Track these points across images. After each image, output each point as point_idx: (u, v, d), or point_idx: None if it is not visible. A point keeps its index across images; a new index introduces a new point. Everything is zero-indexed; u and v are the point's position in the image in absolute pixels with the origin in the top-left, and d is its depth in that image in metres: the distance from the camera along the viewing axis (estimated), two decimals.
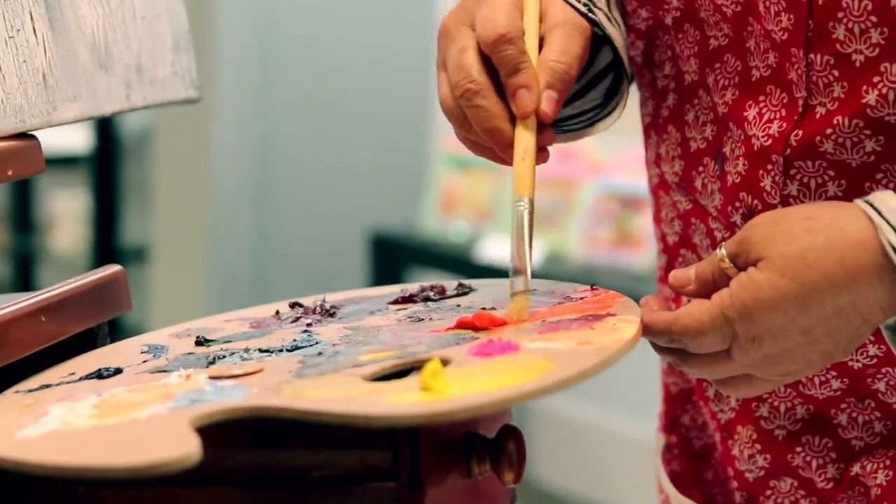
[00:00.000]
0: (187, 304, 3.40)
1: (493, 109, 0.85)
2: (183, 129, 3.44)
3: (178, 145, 3.48)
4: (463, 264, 3.01)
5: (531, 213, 0.84)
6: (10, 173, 0.87)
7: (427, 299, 0.91)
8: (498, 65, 0.85)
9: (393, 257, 3.17)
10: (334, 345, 0.81)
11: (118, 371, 0.81)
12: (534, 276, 0.86)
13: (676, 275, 0.83)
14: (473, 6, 0.87)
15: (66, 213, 4.19)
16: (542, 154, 0.87)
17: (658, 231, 0.98)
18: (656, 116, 0.96)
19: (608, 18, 0.90)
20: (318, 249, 3.52)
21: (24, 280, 4.23)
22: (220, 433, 0.71)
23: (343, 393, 0.71)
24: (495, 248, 2.95)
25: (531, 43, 0.86)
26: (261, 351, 0.82)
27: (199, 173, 3.43)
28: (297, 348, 0.82)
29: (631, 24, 0.95)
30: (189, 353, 0.84)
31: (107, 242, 3.82)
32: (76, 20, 0.94)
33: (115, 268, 0.92)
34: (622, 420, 3.14)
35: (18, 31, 0.89)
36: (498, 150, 0.87)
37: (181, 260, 3.50)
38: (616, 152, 2.93)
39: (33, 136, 0.90)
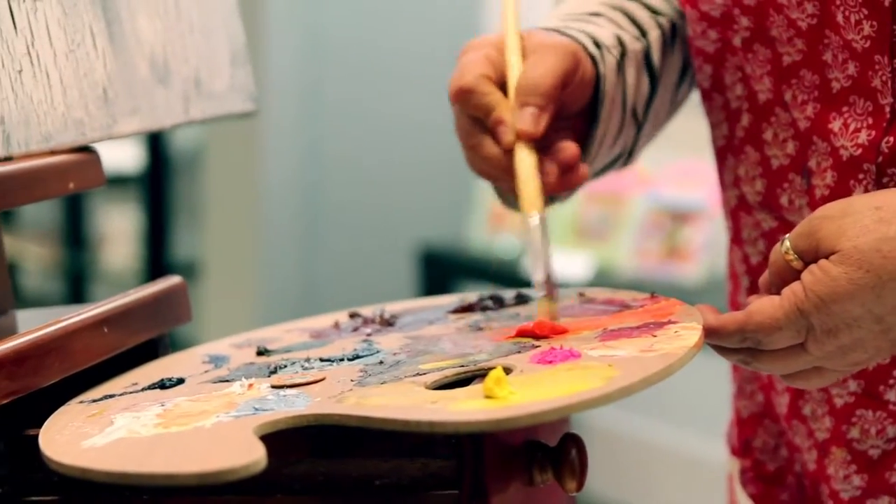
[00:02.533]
0: (238, 318, 3.42)
1: (490, 152, 0.89)
2: (233, 146, 3.46)
3: (228, 163, 3.50)
4: (511, 279, 3.01)
5: (544, 225, 0.85)
6: (71, 186, 0.88)
7: (485, 309, 0.92)
8: (474, 115, 0.88)
9: (441, 272, 3.17)
10: (395, 354, 0.82)
11: (180, 381, 0.82)
12: (582, 287, 0.88)
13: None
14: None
15: (118, 230, 4.22)
16: (573, 179, 0.89)
17: (739, 253, 0.98)
18: (731, 138, 0.96)
19: (585, 33, 0.92)
20: (366, 264, 3.52)
21: (75, 296, 4.26)
22: (282, 442, 0.71)
23: (406, 401, 0.71)
24: None
25: (513, 80, 0.88)
26: (321, 360, 0.82)
27: (250, 190, 3.45)
28: (358, 357, 0.82)
29: (699, 47, 0.95)
30: (250, 363, 0.84)
31: (158, 259, 3.85)
32: (135, 34, 0.95)
33: (175, 279, 0.92)
34: (672, 432, 3.12)
35: (79, 45, 0.90)
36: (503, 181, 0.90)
37: (232, 275, 3.51)
38: (664, 165, 2.93)
39: (94, 150, 0.91)
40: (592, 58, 0.91)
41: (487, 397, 0.69)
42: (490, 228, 3.10)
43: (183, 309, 0.92)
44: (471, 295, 0.95)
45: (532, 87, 0.87)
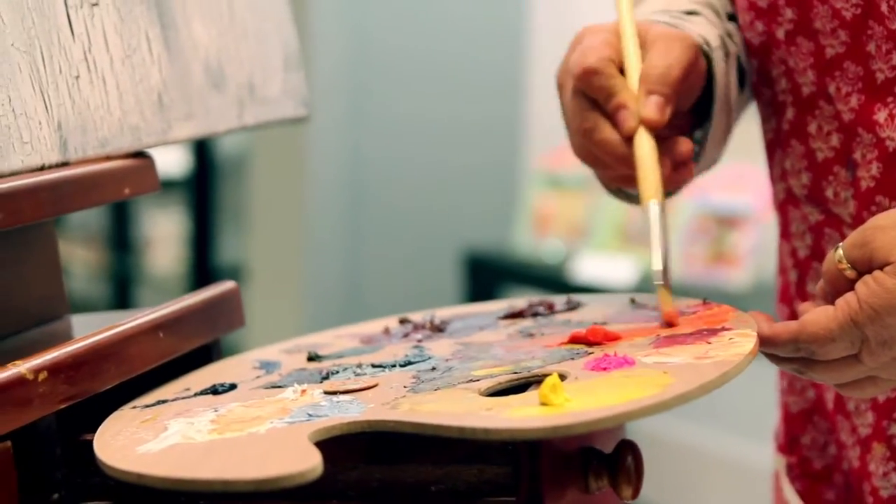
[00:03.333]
0: (283, 322, 3.43)
1: (607, 136, 0.86)
2: (280, 150, 3.47)
3: (274, 167, 3.51)
4: (557, 283, 3.00)
5: (663, 214, 0.84)
6: (127, 191, 0.89)
7: (536, 314, 0.91)
8: (594, 97, 0.86)
9: (486, 276, 3.17)
10: (447, 360, 0.82)
11: (233, 387, 0.82)
12: (628, 292, 0.88)
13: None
14: (569, 54, 0.89)
15: (164, 234, 4.24)
16: (683, 175, 0.88)
17: (787, 247, 0.98)
18: (778, 132, 0.96)
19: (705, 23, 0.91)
20: (411, 269, 3.53)
21: (121, 300, 4.28)
22: (336, 448, 0.71)
23: (460, 407, 0.71)
24: (589, 267, 2.94)
25: (632, 67, 0.87)
26: (373, 366, 0.82)
27: (296, 194, 3.46)
28: (410, 363, 0.82)
29: (747, 39, 0.95)
30: (302, 369, 0.85)
31: (203, 263, 3.86)
32: (190, 40, 0.95)
33: (228, 284, 0.93)
34: (718, 437, 3.11)
35: (135, 50, 0.91)
36: (612, 169, 0.88)
37: (277, 279, 3.52)
38: (712, 170, 2.92)
39: (149, 155, 0.91)
40: (706, 56, 0.90)
41: (543, 404, 0.69)
42: (536, 233, 3.10)
43: (236, 314, 0.92)
44: (520, 301, 0.95)
45: (660, 75, 0.86)
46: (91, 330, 0.86)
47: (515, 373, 0.76)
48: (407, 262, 3.53)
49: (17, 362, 0.73)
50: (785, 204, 0.97)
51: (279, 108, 1.03)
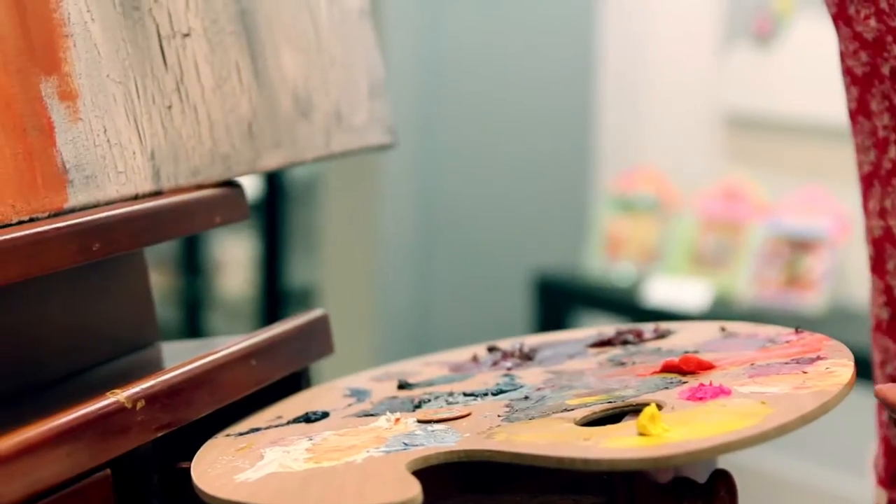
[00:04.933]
0: (353, 345, 3.43)
1: None
2: (351, 175, 3.49)
3: (345, 190, 3.53)
4: (628, 307, 2.99)
5: None
6: (217, 220, 0.89)
7: (625, 343, 0.91)
8: None
9: (557, 300, 3.16)
10: (539, 389, 0.81)
11: (325, 415, 0.82)
12: (703, 318, 0.86)
13: None
14: None
15: (234, 258, 4.27)
16: None
17: (880, 283, 0.96)
18: (877, 167, 0.94)
19: None
20: (482, 292, 3.52)
21: (191, 324, 4.31)
22: (430, 477, 0.71)
23: (557, 437, 0.70)
24: (661, 291, 2.93)
25: None
26: (465, 395, 0.82)
27: (366, 218, 3.47)
28: (502, 392, 0.82)
29: (849, 67, 0.94)
30: (393, 397, 0.85)
31: (273, 287, 3.88)
32: (279, 69, 0.96)
33: (317, 312, 0.93)
34: (811, 469, 3.08)
35: (226, 80, 0.91)
36: None
37: (348, 303, 3.53)
38: (784, 194, 2.90)
39: (239, 184, 0.92)
40: None
41: (641, 434, 0.68)
42: (607, 256, 3.09)
43: (325, 342, 0.93)
44: (608, 328, 0.95)
45: None
46: (181, 357, 0.87)
47: (610, 402, 0.76)
48: (477, 285, 3.53)
49: (115, 391, 0.74)
50: (882, 241, 0.95)
51: (365, 135, 1.04)
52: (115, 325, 0.89)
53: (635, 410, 0.74)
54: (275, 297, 3.88)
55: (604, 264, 3.09)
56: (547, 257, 3.31)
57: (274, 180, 3.89)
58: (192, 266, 4.37)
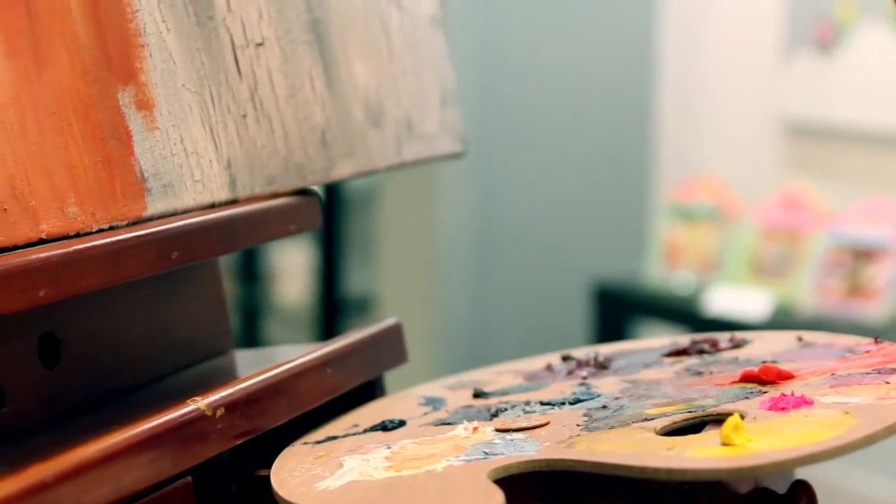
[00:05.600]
0: (412, 354, 3.43)
1: None
2: (408, 183, 3.49)
3: (403, 199, 3.53)
4: (688, 316, 2.98)
5: None
6: (292, 228, 0.89)
7: (701, 352, 0.90)
8: None
9: (616, 309, 3.15)
10: (616, 398, 0.81)
11: (402, 423, 0.82)
12: (763, 327, 0.85)
13: None
14: None
15: (292, 265, 4.29)
16: None
17: None
18: None
19: None
20: (540, 301, 3.52)
21: (248, 332, 4.33)
22: (509, 487, 0.71)
23: (639, 447, 0.70)
24: (721, 300, 2.91)
25: None
26: (542, 404, 0.82)
27: (424, 226, 3.47)
28: (579, 401, 0.81)
29: None
30: (468, 406, 0.84)
31: (330, 295, 3.89)
32: (351, 78, 0.96)
33: (391, 321, 0.93)
34: (887, 483, 3.05)
35: (299, 89, 0.92)
36: None
37: (406, 311, 3.54)
38: (846, 202, 2.88)
39: (313, 192, 0.92)
40: None
41: (724, 444, 0.68)
42: (666, 265, 3.08)
43: (399, 350, 0.93)
44: (682, 338, 0.94)
45: None
46: (254, 366, 0.87)
47: (690, 411, 0.75)
48: (536, 294, 3.52)
49: (196, 398, 0.74)
50: None
51: (436, 144, 1.03)
52: (190, 332, 0.89)
53: (715, 420, 0.73)
54: (332, 306, 3.89)
55: (663, 273, 3.08)
56: (606, 266, 3.30)
57: (332, 188, 3.90)
58: (250, 274, 4.39)
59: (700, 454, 0.67)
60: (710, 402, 0.76)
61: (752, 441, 0.68)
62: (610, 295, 3.14)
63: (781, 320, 2.78)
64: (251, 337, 4.24)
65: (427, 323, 3.47)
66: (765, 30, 3.17)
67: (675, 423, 0.74)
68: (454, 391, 0.89)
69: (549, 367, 0.92)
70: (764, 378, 0.79)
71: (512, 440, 0.74)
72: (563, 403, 0.81)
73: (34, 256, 0.68)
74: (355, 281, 4.02)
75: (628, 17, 3.43)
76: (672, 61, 3.35)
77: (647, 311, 3.12)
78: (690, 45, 3.32)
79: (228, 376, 0.86)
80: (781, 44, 3.14)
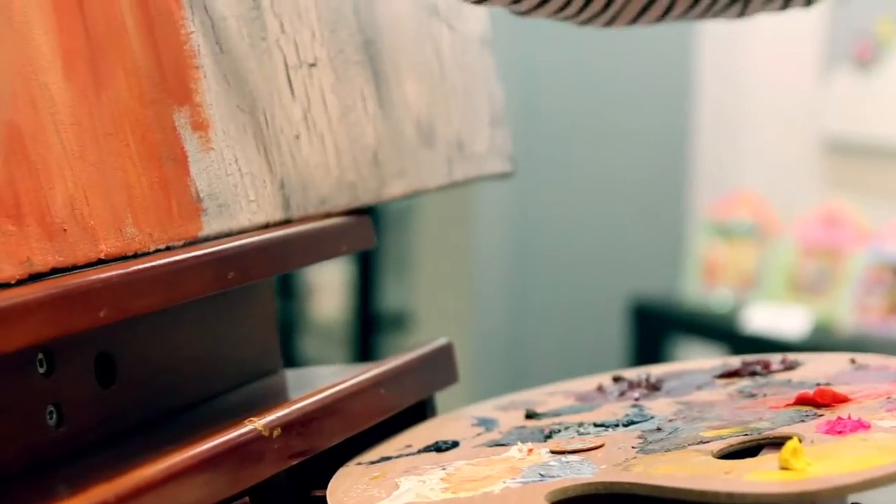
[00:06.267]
0: None
1: None
2: (445, 199, 3.49)
3: (439, 215, 3.54)
4: (726, 334, 2.97)
5: None
6: (344, 248, 0.90)
7: (753, 374, 0.90)
8: None
9: (653, 326, 3.15)
10: (670, 420, 0.81)
11: (455, 444, 0.82)
12: (803, 346, 0.85)
13: None
14: None
15: (328, 281, 4.29)
16: None
17: None
18: None
19: None
20: (577, 318, 3.51)
21: (284, 348, 4.33)
22: None
23: (696, 470, 0.70)
24: (760, 318, 2.90)
25: None
26: (595, 425, 0.82)
27: (460, 242, 3.47)
28: (633, 423, 0.81)
29: None
30: (521, 427, 0.84)
31: (366, 311, 3.90)
32: (402, 98, 0.96)
33: (442, 341, 0.93)
34: None
35: (351, 109, 0.92)
36: None
37: (442, 328, 3.54)
38: (886, 219, 2.86)
39: (365, 212, 0.92)
40: None
41: (783, 468, 0.67)
42: (704, 282, 3.07)
43: (450, 370, 0.93)
44: (733, 359, 0.94)
45: None
46: (304, 385, 0.88)
47: (746, 434, 0.75)
48: (573, 310, 3.52)
49: (253, 419, 0.74)
50: None
51: (486, 164, 1.04)
52: (241, 352, 0.89)
53: (772, 443, 0.73)
54: (368, 322, 3.89)
55: (701, 290, 3.07)
56: (644, 283, 3.29)
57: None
58: (286, 290, 4.39)
59: (759, 478, 0.67)
60: (765, 425, 0.76)
61: (811, 465, 0.67)
62: (648, 312, 3.13)
63: (821, 339, 2.76)
64: (286, 352, 4.23)
65: (463, 339, 3.47)
66: (804, 46, 3.16)
67: (732, 445, 0.74)
68: (506, 412, 0.89)
69: (600, 388, 0.91)
70: (819, 401, 0.79)
71: (567, 462, 0.74)
72: (616, 425, 0.81)
73: (95, 277, 0.69)
74: (391, 297, 4.02)
75: (667, 33, 3.43)
76: (711, 77, 3.34)
77: (684, 329, 3.11)
78: (729, 61, 3.31)
79: (281, 396, 0.86)
80: (821, 60, 3.13)
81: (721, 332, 2.99)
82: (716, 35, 3.30)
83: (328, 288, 4.31)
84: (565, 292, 3.53)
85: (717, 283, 3.06)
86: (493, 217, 3.47)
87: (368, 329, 3.93)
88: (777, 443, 0.72)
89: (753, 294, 2.99)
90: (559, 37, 3.48)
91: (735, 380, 0.89)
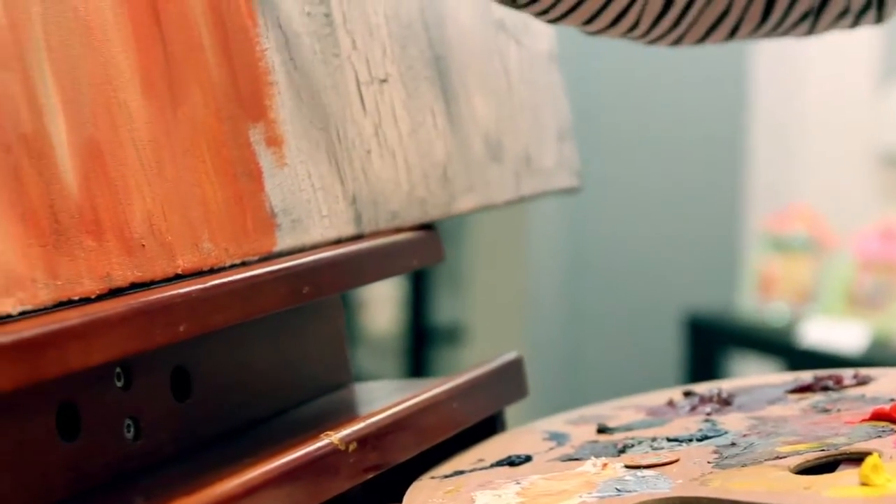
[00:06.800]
0: None
1: None
2: (499, 212, 3.50)
3: (494, 229, 3.54)
4: (783, 348, 2.95)
5: None
6: (415, 263, 0.90)
7: (825, 388, 0.90)
8: None
9: (709, 340, 3.13)
10: (744, 435, 0.80)
11: (528, 458, 0.82)
12: (860, 360, 0.84)
13: None
14: None
15: (380, 294, 4.30)
16: None
17: None
18: None
19: None
20: (632, 331, 3.50)
21: None
22: None
23: (775, 485, 0.69)
24: (816, 332, 2.88)
25: None
26: (668, 440, 0.81)
27: (514, 256, 3.47)
28: (707, 438, 0.81)
29: None
30: (594, 441, 0.84)
31: (419, 324, 3.90)
32: (471, 113, 0.97)
33: (511, 355, 0.93)
34: None
35: (421, 125, 0.92)
36: None
37: (495, 342, 3.54)
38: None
39: (434, 227, 0.93)
40: None
41: (863, 484, 0.67)
42: (760, 296, 3.05)
43: (520, 384, 0.93)
44: (805, 374, 0.93)
45: None
46: (375, 399, 0.88)
47: (822, 450, 0.74)
48: (627, 324, 3.51)
49: (329, 433, 0.74)
50: None
51: (553, 178, 1.04)
52: (313, 365, 0.90)
53: (849, 459, 0.73)
54: (420, 335, 3.89)
55: (757, 304, 3.06)
56: (698, 297, 3.28)
57: None
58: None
59: (839, 493, 0.67)
60: (842, 441, 0.76)
61: (891, 481, 0.67)
62: (703, 326, 3.12)
63: (878, 353, 2.74)
64: None
65: (518, 351, 3.47)
66: (860, 59, 3.15)
67: (808, 461, 0.73)
68: (577, 426, 0.89)
69: (670, 403, 0.91)
70: (895, 416, 0.78)
71: (643, 477, 0.74)
72: (690, 440, 0.81)
73: (175, 292, 0.69)
74: (444, 310, 4.02)
75: (722, 46, 3.42)
76: (767, 90, 3.33)
77: (740, 343, 3.10)
78: (785, 74, 3.30)
79: (352, 410, 0.87)
80: (877, 73, 3.11)
81: (777, 346, 2.97)
82: (771, 48, 3.29)
83: (381, 301, 4.32)
84: (620, 305, 3.52)
85: (772, 297, 3.04)
86: (547, 229, 3.47)
87: (421, 342, 3.93)
88: (854, 459, 0.72)
89: (810, 308, 2.97)
90: (615, 51, 3.47)
91: (807, 395, 0.89)
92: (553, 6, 0.88)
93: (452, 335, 3.89)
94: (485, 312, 3.60)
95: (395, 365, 4.07)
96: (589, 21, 0.89)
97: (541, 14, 0.89)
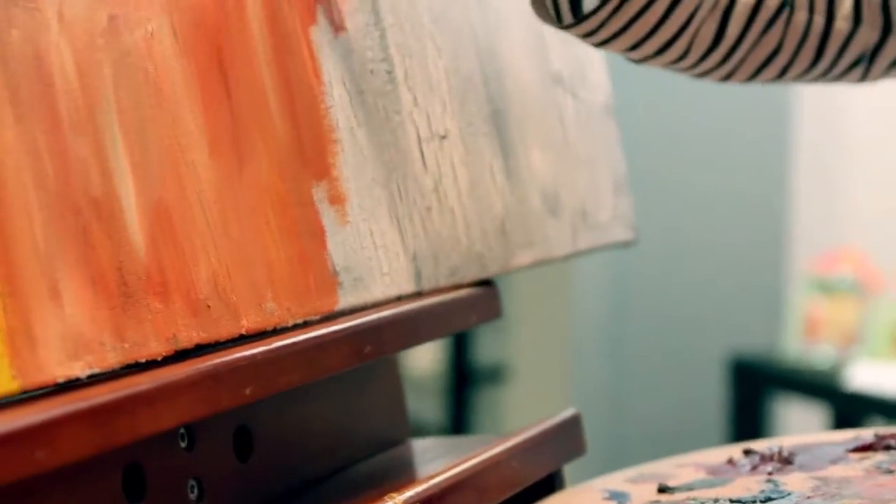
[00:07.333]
0: None
1: None
2: None
3: (537, 270, 3.53)
4: (829, 391, 2.93)
5: None
6: (473, 319, 0.90)
7: (888, 447, 0.89)
8: None
9: (753, 382, 3.12)
10: (808, 497, 0.80)
11: None
12: None
13: None
14: None
15: None
16: None
17: None
18: None
19: None
20: (676, 373, 3.49)
21: None
22: None
23: None
24: (863, 375, 2.86)
25: None
26: (732, 501, 0.81)
27: (557, 297, 3.47)
28: (770, 500, 0.80)
29: None
30: (656, 501, 0.84)
31: (462, 364, 3.89)
32: (529, 167, 0.97)
33: (570, 412, 0.93)
34: None
35: (480, 181, 0.92)
36: None
37: (539, 382, 3.53)
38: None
39: (493, 283, 0.93)
40: None
41: None
42: (805, 338, 3.04)
43: (578, 442, 0.92)
44: (866, 432, 0.93)
45: None
46: (432, 456, 0.88)
47: None
48: (672, 366, 3.49)
49: (392, 495, 0.74)
50: None
51: (609, 232, 1.04)
52: (372, 422, 0.90)
53: None
54: (463, 375, 3.89)
55: (802, 347, 3.04)
56: (743, 339, 3.26)
57: None
58: None
59: None
60: None
61: None
62: (747, 368, 3.11)
63: None
64: None
65: (561, 394, 3.46)
66: None
67: None
68: (636, 484, 0.89)
69: (731, 461, 0.91)
70: None
71: None
72: (753, 502, 0.80)
73: (240, 355, 0.69)
74: (487, 350, 4.01)
75: (764, 86, 3.41)
76: (810, 129, 3.32)
77: (785, 386, 3.08)
78: (829, 113, 3.29)
79: (413, 470, 0.86)
80: None
81: (823, 389, 2.95)
82: (814, 87, 3.28)
83: None
84: (664, 348, 3.50)
85: (818, 340, 3.02)
86: (592, 270, 3.46)
87: (464, 382, 3.93)
88: None
89: (856, 351, 2.95)
90: (655, 94, 3.47)
91: (869, 454, 0.88)
92: (601, 27, 0.87)
93: (495, 375, 3.88)
94: (528, 353, 3.59)
95: (438, 405, 4.06)
96: (635, 46, 0.89)
97: (587, 36, 0.88)
